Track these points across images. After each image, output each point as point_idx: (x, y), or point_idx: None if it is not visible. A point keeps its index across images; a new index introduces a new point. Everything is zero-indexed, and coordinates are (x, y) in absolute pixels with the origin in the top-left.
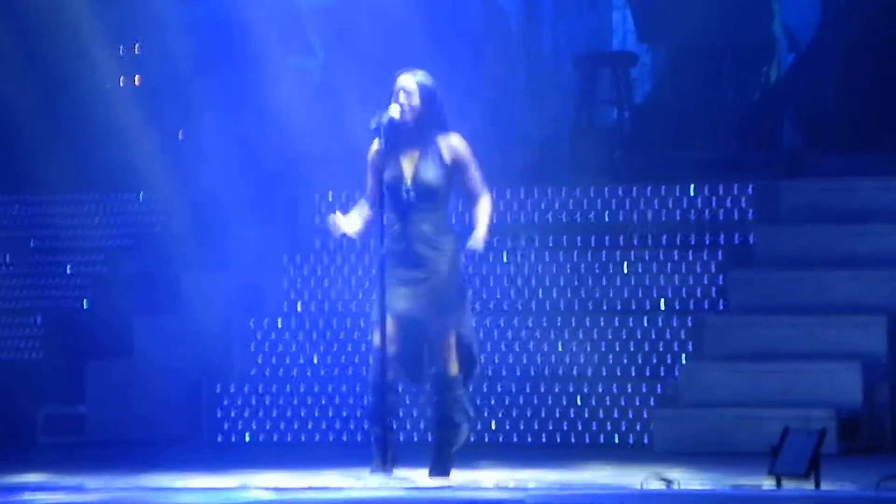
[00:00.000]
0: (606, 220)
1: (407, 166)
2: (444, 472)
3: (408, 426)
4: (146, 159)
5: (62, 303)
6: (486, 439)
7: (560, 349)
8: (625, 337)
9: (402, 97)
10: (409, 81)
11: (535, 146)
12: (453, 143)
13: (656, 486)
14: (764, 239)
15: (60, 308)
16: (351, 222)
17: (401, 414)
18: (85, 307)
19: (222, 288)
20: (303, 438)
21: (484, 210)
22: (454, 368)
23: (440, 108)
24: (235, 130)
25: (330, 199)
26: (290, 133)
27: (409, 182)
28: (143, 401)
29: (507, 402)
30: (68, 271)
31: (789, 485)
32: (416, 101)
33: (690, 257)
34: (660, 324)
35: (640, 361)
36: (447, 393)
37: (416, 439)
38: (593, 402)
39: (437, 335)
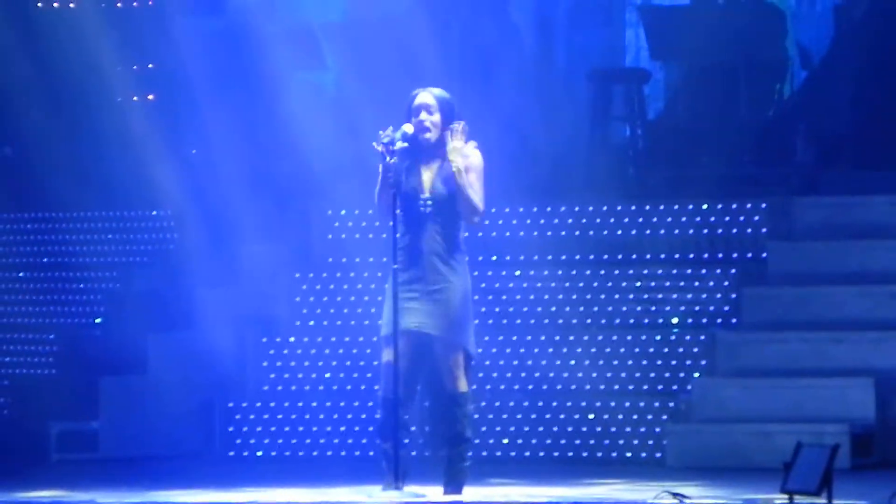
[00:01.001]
0: (619, 235)
1: (426, 178)
2: (458, 489)
3: (420, 441)
4: (159, 176)
5: (75, 319)
6: (499, 454)
7: (573, 364)
8: (638, 352)
9: (423, 115)
10: (429, 98)
11: (548, 162)
12: (467, 151)
13: (669, 500)
14: (777, 255)
15: (74, 324)
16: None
17: (413, 429)
18: (98, 323)
19: (235, 304)
20: (314, 454)
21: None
22: (463, 385)
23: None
24: (248, 146)
25: (343, 215)
26: (302, 148)
27: (427, 193)
28: (156, 417)
29: (519, 417)
30: (82, 288)
31: (802, 500)
32: (436, 117)
33: (704, 273)
34: (673, 339)
35: (653, 377)
36: (457, 409)
37: (427, 455)
38: (606, 417)
39: (446, 352)
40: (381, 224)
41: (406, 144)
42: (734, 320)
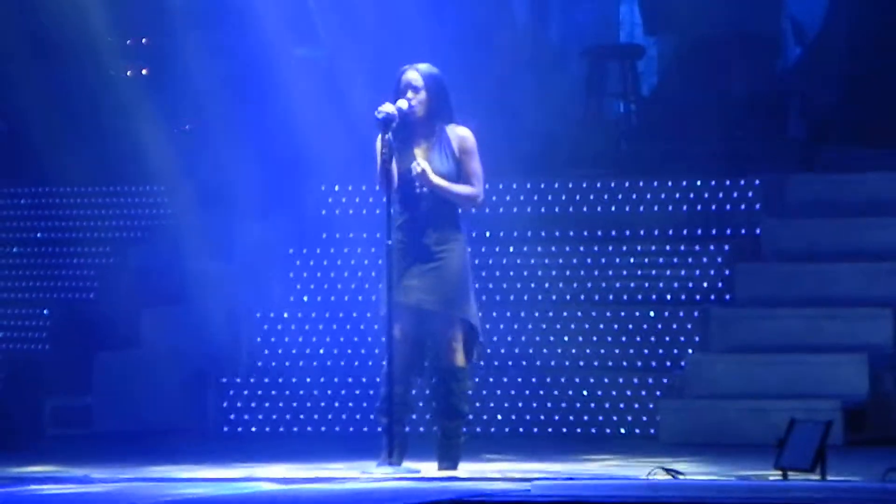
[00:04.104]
0: (613, 212)
1: (419, 157)
2: (453, 465)
3: (414, 417)
4: (153, 151)
5: (70, 294)
6: (493, 430)
7: (567, 340)
8: (632, 329)
9: (410, 94)
10: (416, 76)
11: (541, 138)
12: (462, 134)
13: (662, 476)
14: (771, 232)
15: (68, 300)
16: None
17: (420, 405)
18: (92, 299)
19: (229, 279)
20: (309, 430)
21: (462, 185)
22: (461, 360)
23: (447, 98)
24: (242, 122)
25: (336, 191)
26: (296, 125)
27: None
28: (150, 392)
29: (513, 394)
30: (75, 263)
31: (796, 476)
32: (423, 95)
33: (697, 250)
34: (667, 316)
35: (646, 353)
36: (455, 384)
37: (422, 430)
38: (600, 394)
39: (444, 327)
40: (376, 200)
41: (396, 112)
42: (728, 297)
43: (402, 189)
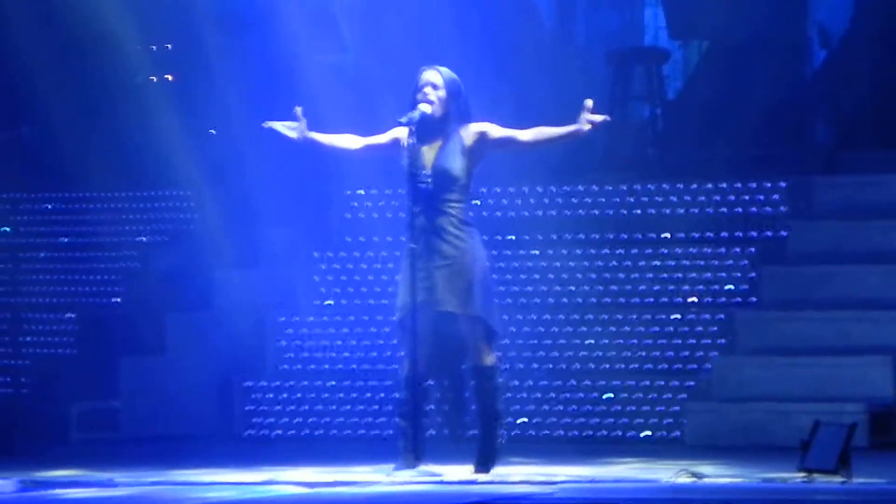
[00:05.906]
0: (639, 215)
1: (428, 155)
2: (487, 468)
3: (439, 420)
4: (178, 156)
5: (96, 299)
6: (517, 433)
7: (592, 343)
8: (657, 331)
9: (429, 90)
10: (435, 76)
11: (566, 142)
12: (476, 129)
13: (686, 479)
14: (797, 234)
15: (94, 305)
16: (296, 126)
17: (429, 408)
18: (118, 303)
19: (254, 284)
20: (332, 433)
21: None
22: (489, 359)
23: (465, 101)
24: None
25: (360, 195)
26: (321, 129)
27: (428, 169)
28: (176, 397)
29: (538, 396)
30: (101, 268)
31: (820, 479)
32: (442, 93)
33: (723, 252)
34: (692, 318)
35: (671, 355)
36: (486, 384)
37: (446, 433)
38: (625, 396)
39: (468, 329)
40: (400, 204)
41: (413, 139)
42: (753, 299)
43: (412, 189)
